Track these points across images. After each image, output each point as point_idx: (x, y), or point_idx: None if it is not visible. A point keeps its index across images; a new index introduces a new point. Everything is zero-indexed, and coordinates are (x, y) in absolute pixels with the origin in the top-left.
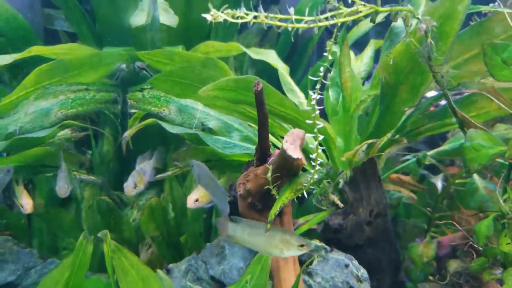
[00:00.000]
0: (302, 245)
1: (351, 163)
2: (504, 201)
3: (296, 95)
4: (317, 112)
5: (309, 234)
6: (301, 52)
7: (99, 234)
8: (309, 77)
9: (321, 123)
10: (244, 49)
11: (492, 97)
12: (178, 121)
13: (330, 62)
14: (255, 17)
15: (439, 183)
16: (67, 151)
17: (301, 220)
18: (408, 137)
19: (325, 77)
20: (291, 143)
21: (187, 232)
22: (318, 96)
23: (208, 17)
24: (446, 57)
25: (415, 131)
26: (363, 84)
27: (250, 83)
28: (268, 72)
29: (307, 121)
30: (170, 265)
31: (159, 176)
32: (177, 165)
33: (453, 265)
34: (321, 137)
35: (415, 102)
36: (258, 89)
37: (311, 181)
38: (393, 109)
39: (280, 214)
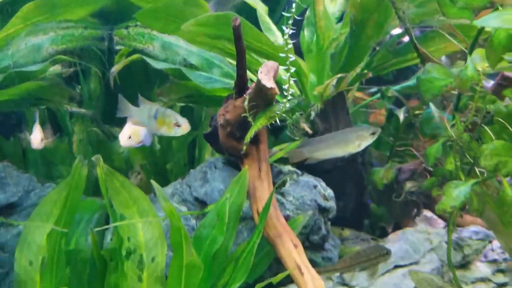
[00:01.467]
0: (373, 133)
1: (322, 96)
2: (452, 126)
3: (273, 34)
4: (290, 46)
5: (283, 161)
6: None
7: (92, 158)
8: (283, 13)
9: (293, 56)
10: None
11: (446, 34)
12: (162, 57)
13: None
14: None
15: (401, 115)
16: (58, 85)
17: (275, 149)
18: (375, 71)
19: (302, 16)
20: (265, 74)
21: (172, 161)
22: (291, 31)
23: None
24: None
25: (381, 66)
26: (337, 23)
27: (229, 19)
28: (247, 12)
29: (281, 55)
30: None
31: None
32: (162, 100)
33: (408, 185)
34: (292, 69)
35: (379, 37)
36: (236, 24)
37: (284, 109)
38: (360, 45)
39: (257, 142)
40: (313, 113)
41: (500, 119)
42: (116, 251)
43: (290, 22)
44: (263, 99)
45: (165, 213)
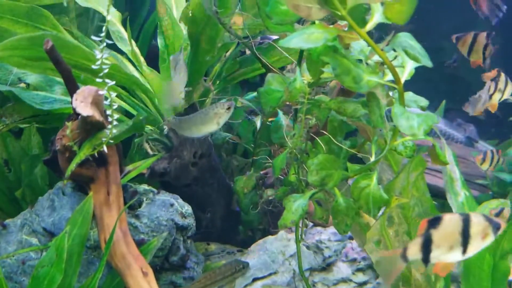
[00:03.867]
0: (228, 108)
1: (174, 109)
2: (292, 137)
3: (126, 43)
4: (106, 70)
5: (140, 179)
6: None
7: None
8: (93, 37)
9: (111, 82)
10: None
11: (277, 46)
12: None
13: None
14: None
15: (258, 122)
16: None
17: (130, 167)
18: (225, 82)
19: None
20: (81, 100)
21: (23, 185)
22: (105, 55)
23: None
24: (233, 10)
25: (231, 76)
26: None
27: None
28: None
29: (97, 80)
30: (7, 221)
31: None
32: (5, 122)
33: (268, 193)
34: (113, 94)
35: (214, 52)
36: (48, 48)
37: (111, 135)
38: (198, 59)
39: (105, 164)
40: (165, 128)
41: (323, 131)
42: None
43: (102, 46)
44: (88, 126)
45: None
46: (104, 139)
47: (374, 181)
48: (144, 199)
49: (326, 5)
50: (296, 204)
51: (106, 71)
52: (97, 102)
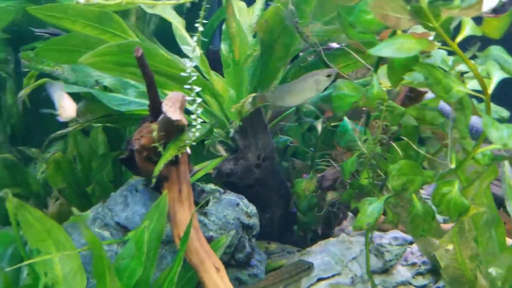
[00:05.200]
0: (329, 75)
1: (240, 113)
2: (364, 141)
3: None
4: (194, 78)
5: (207, 179)
6: (200, 3)
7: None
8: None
9: (198, 88)
10: (139, 3)
11: (351, 52)
12: (72, 80)
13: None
14: None
15: (319, 125)
16: None
17: (197, 167)
18: None
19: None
20: (170, 106)
21: (93, 182)
22: (194, 64)
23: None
24: (310, 20)
25: None
26: (255, 36)
27: (133, 47)
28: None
29: (185, 87)
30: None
31: (59, 132)
32: (78, 121)
33: (330, 196)
34: (199, 100)
35: (287, 59)
36: (139, 55)
37: (194, 138)
38: (270, 65)
39: (177, 163)
40: (232, 130)
41: (402, 137)
42: None
43: (196, 53)
44: (172, 129)
45: (87, 241)
46: (187, 141)
47: (456, 187)
48: (211, 197)
49: (418, 17)
50: (372, 208)
51: (194, 78)
52: (182, 107)
